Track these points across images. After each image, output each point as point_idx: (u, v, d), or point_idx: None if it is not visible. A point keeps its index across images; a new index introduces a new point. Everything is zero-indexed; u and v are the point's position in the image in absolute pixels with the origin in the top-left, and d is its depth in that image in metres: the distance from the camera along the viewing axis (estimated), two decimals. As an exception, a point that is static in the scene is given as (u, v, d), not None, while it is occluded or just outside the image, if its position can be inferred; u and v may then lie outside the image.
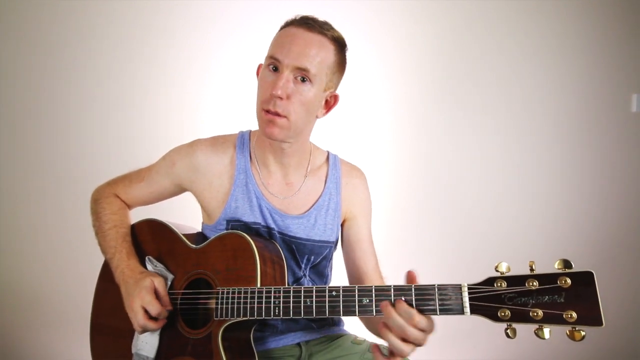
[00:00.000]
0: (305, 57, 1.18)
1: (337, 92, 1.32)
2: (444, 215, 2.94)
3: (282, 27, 1.27)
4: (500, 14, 2.93)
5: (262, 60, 1.29)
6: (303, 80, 1.20)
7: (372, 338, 1.38)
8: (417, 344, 0.99)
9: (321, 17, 1.27)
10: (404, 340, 0.98)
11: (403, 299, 0.99)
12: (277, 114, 1.19)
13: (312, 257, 1.37)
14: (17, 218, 2.65)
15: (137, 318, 1.20)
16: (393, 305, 0.99)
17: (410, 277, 1.02)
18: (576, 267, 0.85)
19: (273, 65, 1.20)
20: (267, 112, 1.19)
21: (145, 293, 1.20)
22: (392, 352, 1.01)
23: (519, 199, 2.93)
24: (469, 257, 2.84)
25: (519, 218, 2.92)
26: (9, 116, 2.64)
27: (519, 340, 0.88)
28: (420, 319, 0.96)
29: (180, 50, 2.72)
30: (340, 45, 1.27)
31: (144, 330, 1.22)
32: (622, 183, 2.93)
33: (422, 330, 0.97)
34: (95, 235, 1.41)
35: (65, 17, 2.64)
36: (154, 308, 1.19)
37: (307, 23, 1.23)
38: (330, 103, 1.30)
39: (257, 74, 1.32)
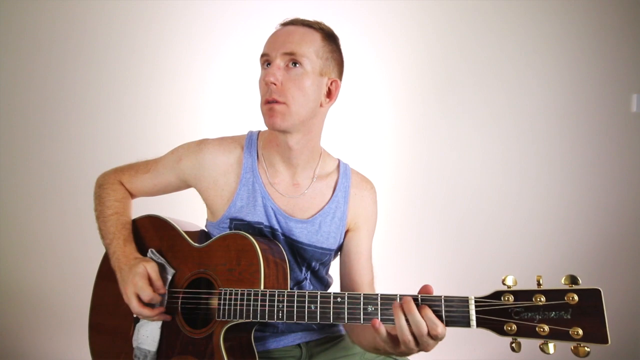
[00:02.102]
0: (290, 43, 1.22)
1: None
2: (443, 216, 2.94)
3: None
4: (500, 14, 2.93)
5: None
6: (295, 64, 1.22)
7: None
8: (424, 348, 0.98)
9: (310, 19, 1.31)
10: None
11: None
12: (275, 101, 1.20)
13: (313, 263, 1.37)
14: (17, 218, 2.65)
15: (132, 305, 1.22)
16: (417, 304, 0.97)
17: (425, 290, 1.01)
18: (583, 283, 0.85)
19: (266, 62, 1.25)
20: (267, 102, 1.21)
21: (138, 279, 1.22)
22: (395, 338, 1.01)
23: (519, 199, 2.94)
24: (469, 257, 2.85)
25: (518, 218, 2.92)
26: (9, 116, 2.62)
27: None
28: (442, 331, 0.95)
29: (181, 51, 2.71)
30: (326, 33, 1.29)
31: (141, 317, 1.24)
32: (622, 183, 2.94)
33: (435, 339, 0.97)
34: (96, 220, 1.42)
35: (66, 16, 2.62)
36: (146, 294, 1.21)
37: (290, 22, 1.28)
38: (332, 90, 1.30)
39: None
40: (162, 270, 1.30)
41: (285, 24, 1.28)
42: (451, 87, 2.94)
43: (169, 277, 1.29)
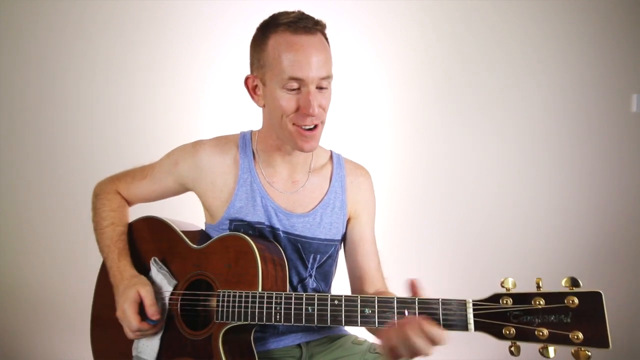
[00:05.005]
0: (323, 66, 1.19)
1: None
2: (443, 216, 2.93)
3: (273, 32, 1.21)
4: (500, 14, 2.91)
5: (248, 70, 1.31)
6: (321, 86, 1.21)
7: (373, 338, 1.38)
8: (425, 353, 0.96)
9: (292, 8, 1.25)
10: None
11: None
12: (314, 127, 1.21)
13: (318, 256, 1.37)
14: (17, 218, 2.64)
15: (125, 327, 1.23)
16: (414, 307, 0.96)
17: (412, 286, 1.00)
18: (584, 286, 0.83)
19: (295, 83, 1.18)
20: (301, 127, 1.20)
21: (127, 306, 1.22)
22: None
23: (519, 200, 2.92)
24: (469, 257, 2.84)
25: (518, 218, 2.91)
26: (9, 115, 2.62)
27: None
28: (443, 342, 0.92)
29: (181, 51, 2.71)
30: (325, 34, 1.26)
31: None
32: (622, 183, 2.92)
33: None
34: (94, 232, 1.42)
35: (64, 16, 2.62)
36: (131, 324, 1.21)
37: (304, 27, 1.19)
38: None
39: (247, 85, 1.32)
40: (162, 283, 1.29)
41: (296, 31, 1.18)
42: (451, 87, 2.92)
43: (171, 288, 1.28)
